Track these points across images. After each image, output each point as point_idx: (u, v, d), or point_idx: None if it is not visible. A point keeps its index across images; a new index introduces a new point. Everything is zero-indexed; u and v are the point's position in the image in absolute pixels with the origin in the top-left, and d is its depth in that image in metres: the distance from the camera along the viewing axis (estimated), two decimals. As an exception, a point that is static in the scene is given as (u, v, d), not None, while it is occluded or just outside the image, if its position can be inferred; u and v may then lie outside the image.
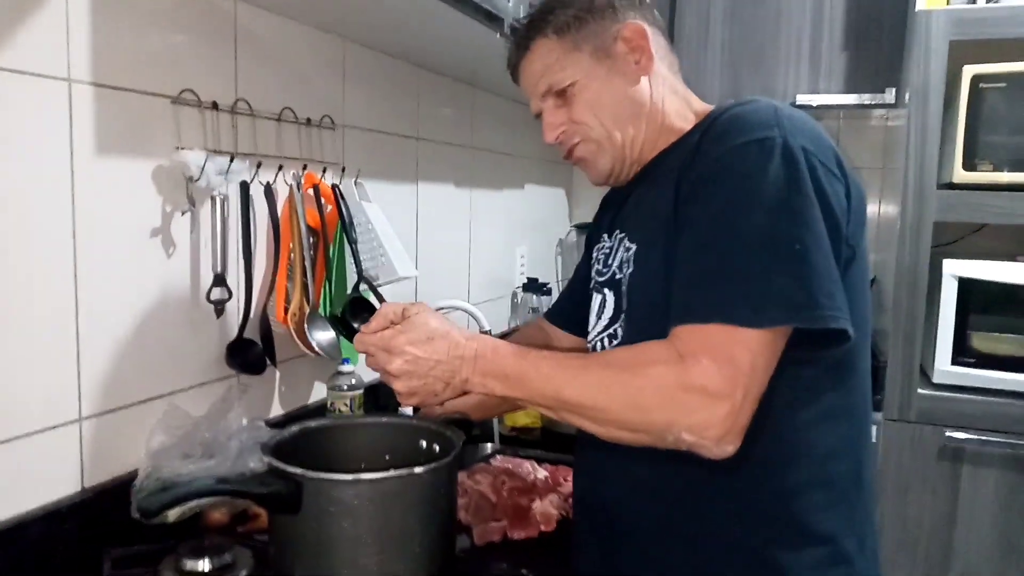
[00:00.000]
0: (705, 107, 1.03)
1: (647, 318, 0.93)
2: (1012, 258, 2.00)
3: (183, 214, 1.17)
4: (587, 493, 1.06)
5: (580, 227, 2.80)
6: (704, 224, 0.84)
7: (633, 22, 0.99)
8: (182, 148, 1.16)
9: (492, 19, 1.38)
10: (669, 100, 1.01)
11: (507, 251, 2.46)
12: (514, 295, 2.51)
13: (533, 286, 2.46)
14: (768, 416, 0.82)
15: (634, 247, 0.97)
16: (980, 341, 1.98)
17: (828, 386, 0.90)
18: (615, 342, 0.98)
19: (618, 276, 0.99)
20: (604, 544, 1.00)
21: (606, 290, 1.01)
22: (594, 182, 1.07)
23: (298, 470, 0.89)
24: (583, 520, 1.07)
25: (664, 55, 1.02)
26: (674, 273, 0.86)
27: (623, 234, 1.01)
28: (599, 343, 1.01)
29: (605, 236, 1.07)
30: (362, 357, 0.96)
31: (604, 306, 1.01)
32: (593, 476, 1.03)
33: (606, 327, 1.00)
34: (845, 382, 0.92)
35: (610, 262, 1.02)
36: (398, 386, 0.90)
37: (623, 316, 0.97)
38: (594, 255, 1.10)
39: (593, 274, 1.08)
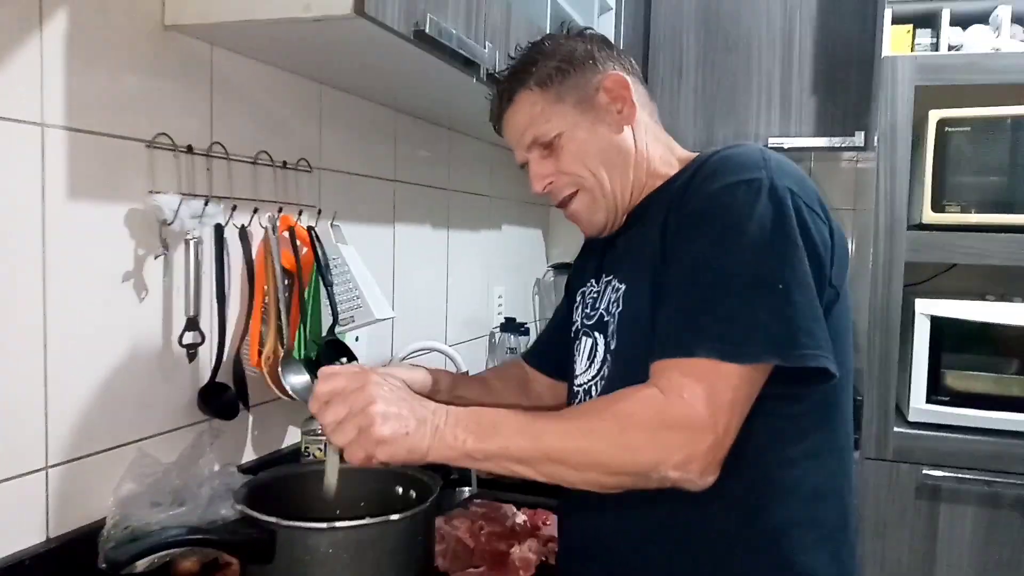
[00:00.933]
0: (687, 154, 1.05)
1: (634, 356, 0.93)
2: (982, 297, 2.04)
3: (156, 258, 1.16)
4: (574, 535, 1.04)
5: (557, 267, 2.81)
6: (690, 261, 0.86)
7: (614, 72, 1.00)
8: (156, 192, 1.15)
9: (468, 64, 1.40)
10: (653, 147, 1.03)
11: (484, 292, 2.46)
12: (492, 335, 2.50)
13: (511, 326, 2.46)
14: (756, 454, 0.83)
15: (623, 287, 0.97)
16: (954, 379, 2.00)
17: (814, 424, 0.91)
18: (603, 384, 0.98)
19: (606, 318, 0.99)
20: None
21: (596, 333, 1.01)
22: (588, 235, 1.07)
23: (271, 518, 0.88)
24: (570, 562, 1.05)
25: (645, 103, 1.04)
26: (659, 309, 0.87)
27: (611, 276, 1.02)
28: (592, 387, 1.00)
29: (592, 281, 1.07)
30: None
31: (595, 350, 1.01)
32: (579, 518, 1.02)
33: (597, 371, 1.00)
34: (830, 421, 0.93)
35: (598, 305, 1.02)
36: (373, 409, 0.80)
37: (610, 356, 0.97)
38: (578, 299, 1.11)
39: (579, 319, 1.08)
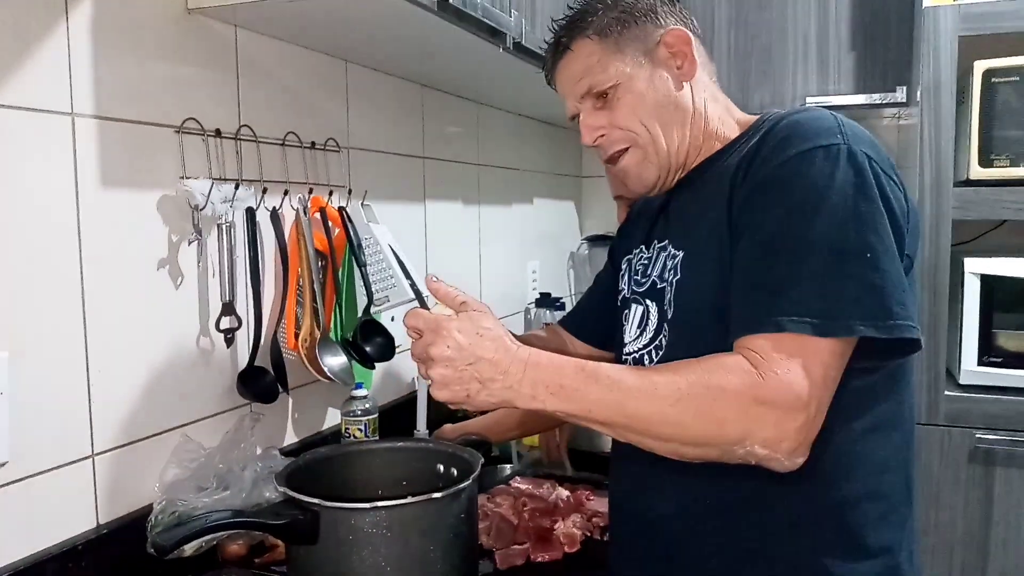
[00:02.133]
0: (746, 117, 1.02)
1: (696, 326, 0.90)
2: (1034, 253, 1.97)
3: (190, 243, 1.16)
4: (628, 509, 1.02)
5: (592, 239, 2.78)
6: (770, 230, 0.82)
7: (676, 28, 0.98)
8: (187, 177, 1.15)
9: (495, 35, 1.37)
10: (711, 107, 1.00)
11: (518, 266, 2.44)
12: (527, 311, 2.48)
13: (546, 301, 2.43)
14: (825, 427, 0.80)
15: (681, 254, 0.94)
16: (1006, 340, 1.94)
17: (881, 396, 0.88)
18: (660, 353, 0.95)
19: (660, 285, 0.96)
20: (648, 560, 0.97)
21: (647, 300, 0.99)
22: (636, 193, 1.04)
23: (314, 500, 0.87)
24: (621, 533, 1.03)
25: (705, 62, 1.01)
26: (734, 280, 0.84)
27: (664, 242, 0.99)
28: (645, 356, 0.98)
29: (642, 247, 1.04)
30: (380, 387, 0.90)
31: (647, 318, 0.98)
32: (635, 491, 0.99)
33: (651, 340, 0.97)
34: (897, 393, 0.90)
35: (650, 272, 0.99)
36: (433, 373, 0.82)
37: (667, 325, 0.94)
38: (624, 267, 1.08)
39: (628, 285, 1.05)
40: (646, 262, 1.01)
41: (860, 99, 2.19)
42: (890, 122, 2.50)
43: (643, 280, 1.00)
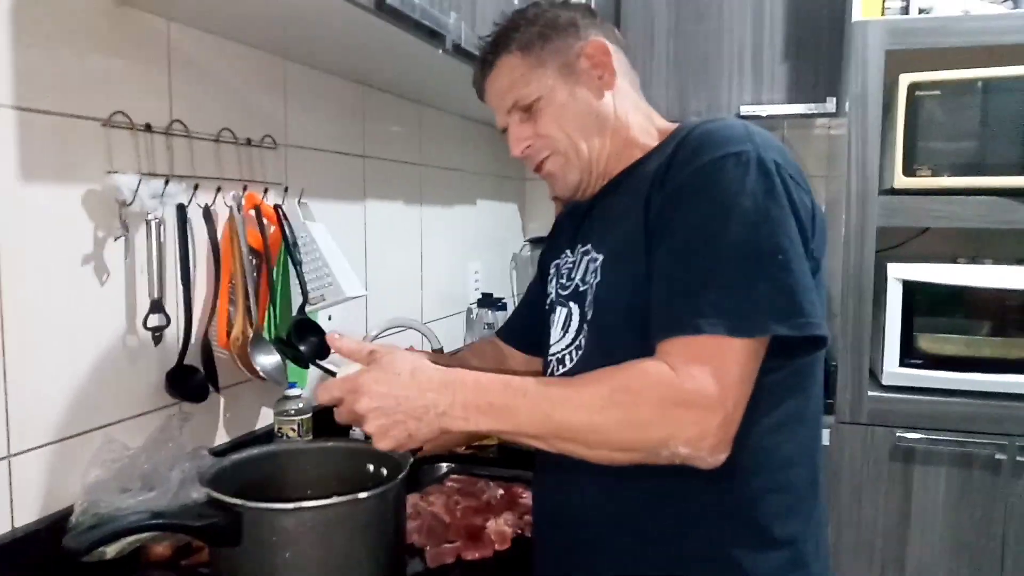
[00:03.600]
0: (667, 124, 1.05)
1: (612, 328, 0.93)
2: (954, 260, 2.05)
3: (116, 239, 1.14)
4: (550, 506, 1.05)
5: (534, 241, 2.80)
6: (684, 236, 0.85)
7: (596, 39, 1.01)
8: (114, 172, 1.13)
9: (434, 36, 1.38)
10: (632, 115, 1.03)
11: (460, 267, 2.44)
12: (469, 311, 2.49)
13: (488, 302, 2.44)
14: None
15: (601, 257, 0.97)
16: (927, 342, 2.02)
17: (788, 393, 0.91)
18: (579, 353, 0.97)
19: (582, 288, 0.99)
20: (568, 554, 0.99)
21: (571, 303, 1.01)
22: (561, 196, 1.07)
23: (237, 501, 0.87)
24: (545, 533, 1.06)
25: (626, 72, 1.04)
26: (653, 284, 0.87)
27: (587, 246, 1.01)
28: (566, 356, 1.00)
29: (567, 252, 1.07)
30: (312, 384, 0.91)
31: (569, 319, 1.01)
32: (556, 489, 1.02)
33: (572, 341, 1.00)
34: (804, 389, 0.93)
35: (573, 275, 1.02)
36: (368, 428, 0.84)
37: (586, 327, 0.97)
38: (552, 271, 1.10)
39: (554, 289, 1.08)
40: (571, 266, 1.04)
41: (793, 109, 2.27)
42: (821, 131, 2.59)
43: (568, 284, 1.03)
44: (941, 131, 1.95)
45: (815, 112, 2.24)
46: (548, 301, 1.10)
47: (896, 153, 1.95)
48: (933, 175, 1.95)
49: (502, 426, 0.83)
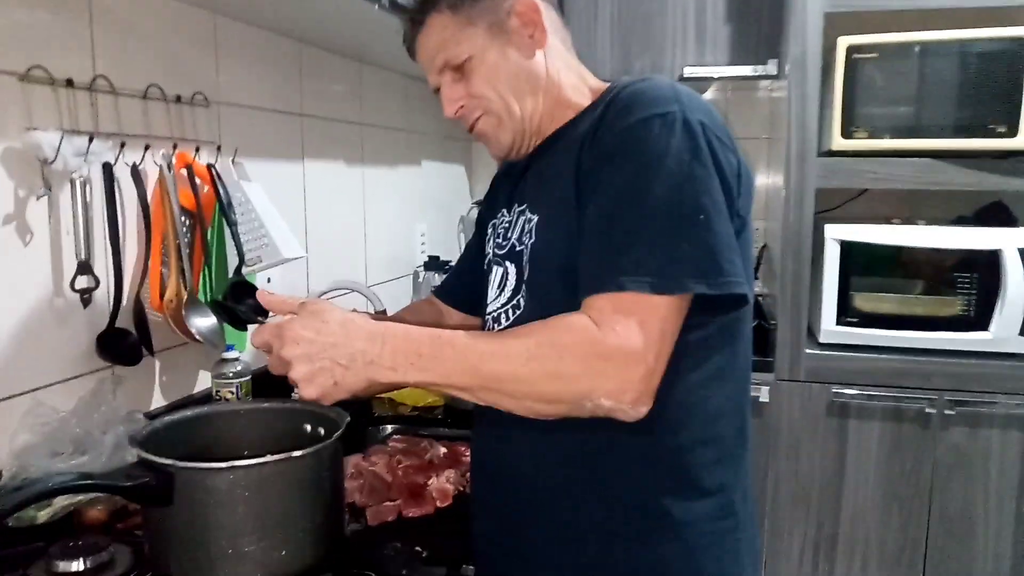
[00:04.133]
0: (599, 83, 1.05)
1: (548, 287, 0.94)
2: (888, 222, 2.11)
3: (38, 199, 1.10)
4: (486, 462, 1.06)
5: (481, 203, 2.79)
6: (610, 196, 0.86)
7: None
8: (34, 129, 1.08)
9: (369, -10, 1.35)
10: (564, 74, 1.02)
11: (406, 229, 2.43)
12: (416, 274, 2.48)
13: (435, 264, 2.43)
14: (662, 379, 0.84)
15: (536, 218, 0.97)
16: (862, 301, 2.08)
17: (715, 349, 0.93)
18: (517, 312, 0.98)
19: (518, 248, 0.99)
20: (503, 509, 1.01)
21: (507, 263, 1.01)
22: (495, 156, 1.07)
23: (168, 461, 0.86)
24: (481, 488, 1.07)
25: (557, 29, 1.03)
26: (582, 243, 0.88)
27: (523, 206, 1.02)
28: (502, 315, 1.01)
29: (504, 211, 1.07)
30: (256, 351, 0.90)
31: (506, 279, 1.01)
32: (492, 445, 1.04)
33: (509, 299, 1.00)
34: (731, 345, 0.96)
35: (510, 235, 1.02)
36: (294, 374, 0.84)
37: (524, 286, 0.98)
38: (489, 231, 1.10)
39: (491, 248, 1.08)
40: (507, 225, 1.04)
41: (735, 71, 2.28)
42: (764, 94, 2.61)
43: (504, 243, 1.03)
44: (878, 93, 1.99)
45: (757, 75, 2.26)
46: (485, 261, 1.10)
47: (834, 115, 1.99)
48: (870, 137, 1.99)
49: (430, 377, 0.83)
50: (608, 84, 1.01)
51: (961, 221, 2.17)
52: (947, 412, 2.00)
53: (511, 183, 1.09)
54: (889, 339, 2.06)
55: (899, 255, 2.05)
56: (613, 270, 0.82)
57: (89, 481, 0.85)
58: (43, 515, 1.06)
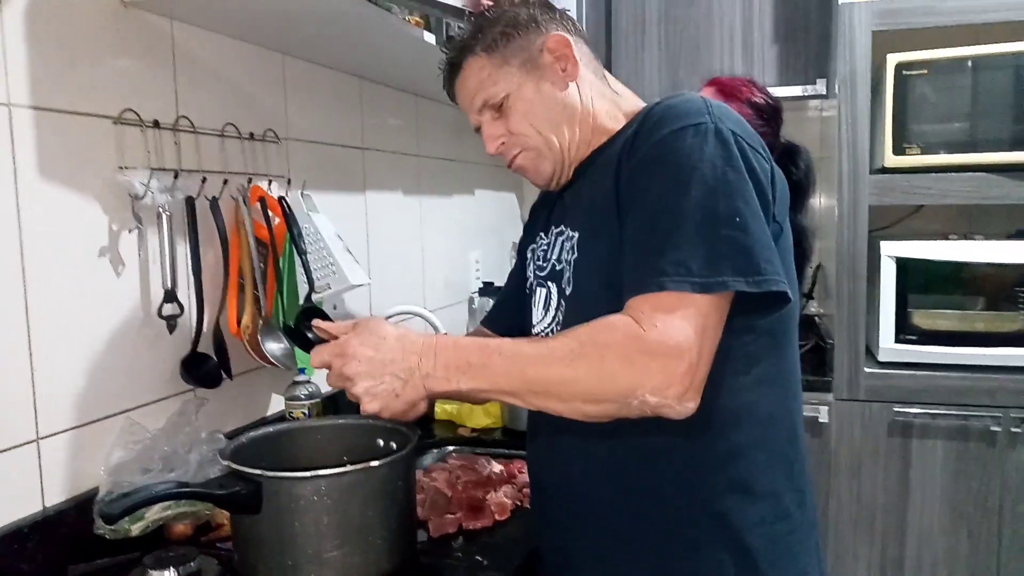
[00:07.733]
0: (633, 108, 1.08)
1: (590, 301, 0.97)
2: (945, 237, 2.09)
3: (130, 232, 1.19)
4: (542, 476, 1.09)
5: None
6: (648, 204, 0.90)
7: (556, 33, 1.04)
8: (126, 167, 1.17)
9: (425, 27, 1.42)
10: (598, 102, 1.07)
11: (461, 256, 2.49)
12: (471, 300, 2.54)
13: (489, 290, 2.49)
14: (712, 383, 0.87)
15: (576, 235, 1.01)
16: (920, 318, 2.06)
17: (763, 354, 0.96)
18: (560, 329, 1.02)
19: (559, 267, 1.03)
20: (566, 523, 1.04)
21: (549, 283, 1.06)
22: (538, 185, 1.12)
23: (257, 471, 0.92)
24: (540, 504, 1.10)
25: (588, 61, 1.08)
26: (625, 251, 0.91)
27: (560, 227, 1.06)
28: (548, 334, 1.05)
29: (541, 234, 1.12)
30: (323, 373, 0.95)
31: (549, 298, 1.06)
32: (547, 459, 1.07)
33: (554, 318, 1.04)
34: (779, 348, 0.98)
35: (550, 256, 1.07)
36: (355, 390, 0.90)
37: (566, 302, 1.01)
38: (528, 255, 1.15)
39: (532, 272, 1.13)
40: (546, 247, 1.09)
41: (784, 91, 2.29)
42: (814, 113, 2.62)
43: (544, 264, 1.08)
44: (929, 109, 1.99)
45: (806, 95, 2.28)
46: (528, 285, 1.15)
47: (886, 132, 1.99)
48: (923, 153, 1.99)
49: (480, 384, 0.88)
50: (643, 106, 1.05)
51: (1019, 235, 2.14)
52: (1014, 430, 1.96)
53: (547, 209, 1.14)
54: (950, 356, 2.03)
55: (957, 271, 2.03)
56: (653, 272, 0.86)
57: (188, 490, 0.91)
58: (136, 528, 1.13)
